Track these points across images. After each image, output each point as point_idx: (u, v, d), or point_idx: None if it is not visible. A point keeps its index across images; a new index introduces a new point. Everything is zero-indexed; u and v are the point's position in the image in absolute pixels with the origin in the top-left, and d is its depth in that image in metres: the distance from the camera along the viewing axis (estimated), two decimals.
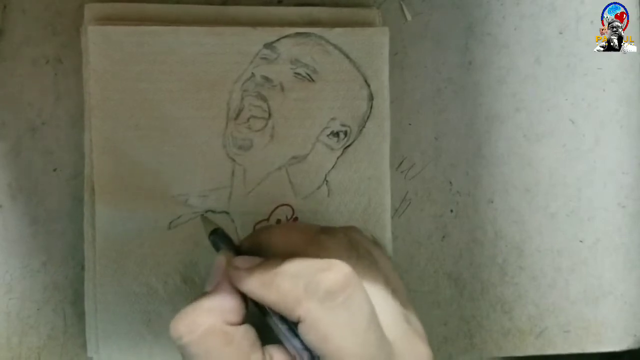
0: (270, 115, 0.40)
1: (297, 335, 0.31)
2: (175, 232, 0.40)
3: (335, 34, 0.40)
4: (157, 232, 0.39)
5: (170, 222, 0.39)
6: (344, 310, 0.30)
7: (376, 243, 0.39)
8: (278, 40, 0.40)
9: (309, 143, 0.40)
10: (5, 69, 0.40)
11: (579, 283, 0.43)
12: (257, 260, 0.33)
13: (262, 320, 0.33)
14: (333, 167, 0.41)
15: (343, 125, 0.40)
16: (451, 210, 0.43)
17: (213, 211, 0.40)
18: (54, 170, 0.40)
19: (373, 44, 0.40)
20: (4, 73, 0.40)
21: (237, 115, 0.40)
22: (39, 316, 0.40)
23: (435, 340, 0.43)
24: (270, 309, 0.32)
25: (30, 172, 0.40)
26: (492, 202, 0.43)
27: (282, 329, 0.32)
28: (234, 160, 0.40)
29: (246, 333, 0.32)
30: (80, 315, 0.40)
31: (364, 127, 0.41)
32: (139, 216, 0.39)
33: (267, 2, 0.41)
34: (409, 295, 0.42)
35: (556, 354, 0.43)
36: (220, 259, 0.34)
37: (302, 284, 0.31)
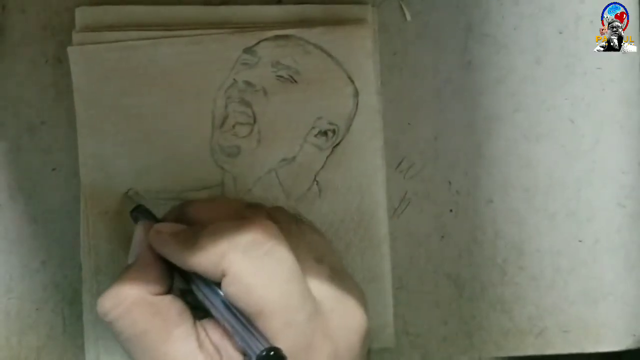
0: (255, 120, 0.40)
1: (220, 297, 0.31)
2: None
3: (315, 34, 0.40)
4: None
5: None
6: (267, 260, 0.31)
7: (303, 221, 0.39)
8: (257, 44, 0.39)
9: (297, 144, 0.40)
10: (4, 68, 0.40)
11: (578, 283, 0.43)
12: (179, 226, 0.34)
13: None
14: (322, 167, 0.41)
15: (330, 123, 0.40)
16: (450, 210, 0.42)
17: None
18: (53, 169, 0.40)
19: (354, 40, 0.40)
20: (3, 73, 0.40)
21: (223, 123, 0.40)
22: (38, 316, 0.41)
23: (435, 340, 0.43)
24: (194, 273, 0.32)
25: (29, 172, 0.40)
26: (491, 202, 0.43)
27: (205, 293, 0.32)
28: (222, 168, 0.40)
29: (173, 302, 0.32)
30: (80, 316, 0.40)
31: (351, 124, 0.41)
32: (133, 230, 0.39)
33: (264, 1, 0.41)
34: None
35: (556, 354, 0.43)
36: (140, 229, 0.34)
37: (226, 239, 0.31)
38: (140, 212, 0.36)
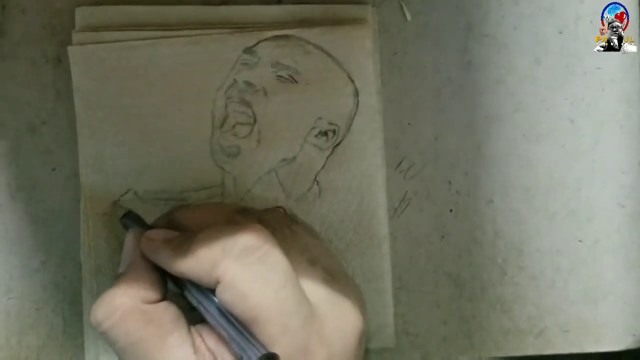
0: (255, 120, 0.40)
1: (214, 303, 0.31)
2: None
3: (315, 34, 0.40)
4: None
5: None
6: (260, 266, 0.31)
7: (297, 222, 0.39)
8: (257, 44, 0.40)
9: (297, 145, 0.40)
10: (5, 68, 0.40)
11: (578, 283, 0.43)
12: (171, 233, 0.34)
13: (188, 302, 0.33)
14: (323, 167, 0.41)
15: (330, 124, 0.40)
16: (450, 210, 0.42)
17: None
18: (53, 169, 0.40)
19: (354, 40, 0.40)
20: (3, 73, 0.40)
21: (222, 123, 0.40)
22: (38, 316, 0.41)
23: (435, 340, 0.43)
24: (188, 280, 0.32)
25: (30, 172, 0.40)
26: (491, 202, 0.43)
27: (199, 299, 0.32)
28: (222, 168, 0.40)
29: (166, 309, 0.32)
30: (79, 316, 0.40)
31: (352, 124, 0.41)
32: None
33: (264, 1, 0.41)
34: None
35: (555, 353, 0.43)
36: (130, 237, 0.34)
37: (219, 246, 0.31)
38: (131, 219, 0.36)
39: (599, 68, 0.42)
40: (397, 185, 0.42)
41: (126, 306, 0.31)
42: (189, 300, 0.32)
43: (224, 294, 0.31)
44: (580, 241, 0.43)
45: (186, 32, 0.39)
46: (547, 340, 0.43)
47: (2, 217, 0.40)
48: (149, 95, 0.39)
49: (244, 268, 0.31)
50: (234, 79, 0.40)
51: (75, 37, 0.39)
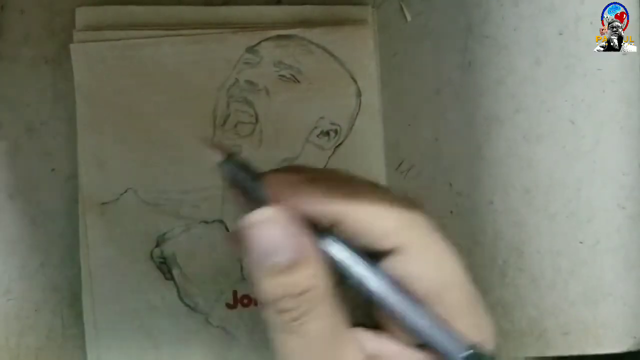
0: (257, 119, 0.40)
1: (385, 278, 0.27)
2: (168, 244, 0.40)
3: (317, 34, 0.40)
4: (150, 246, 0.39)
5: (164, 234, 0.39)
6: (443, 241, 0.28)
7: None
8: (259, 43, 0.39)
9: (299, 144, 0.40)
10: (4, 69, 0.40)
11: (578, 284, 0.43)
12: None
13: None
14: (324, 167, 0.40)
15: (332, 124, 0.40)
16: (451, 212, 0.42)
17: (206, 221, 0.40)
18: (52, 170, 0.40)
19: (356, 40, 0.40)
20: (2, 73, 0.40)
21: (224, 122, 0.40)
22: (37, 317, 0.40)
23: None
24: (356, 252, 0.27)
25: (29, 173, 0.40)
26: (491, 203, 0.42)
27: (364, 274, 0.27)
28: None
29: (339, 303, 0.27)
30: (79, 317, 0.40)
31: (354, 124, 0.40)
32: (132, 230, 0.39)
33: (264, 2, 0.41)
34: None
35: (556, 355, 0.43)
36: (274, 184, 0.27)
37: (397, 211, 0.27)
38: (236, 165, 0.27)
39: (599, 69, 0.42)
40: (398, 187, 0.42)
41: (323, 287, 0.26)
42: (346, 274, 0.27)
43: (407, 264, 0.27)
44: (581, 242, 0.43)
45: (187, 31, 0.39)
46: (548, 342, 0.43)
47: (1, 217, 0.40)
48: (150, 94, 0.39)
49: (436, 242, 0.28)
50: (236, 78, 0.40)
51: (77, 36, 0.39)
